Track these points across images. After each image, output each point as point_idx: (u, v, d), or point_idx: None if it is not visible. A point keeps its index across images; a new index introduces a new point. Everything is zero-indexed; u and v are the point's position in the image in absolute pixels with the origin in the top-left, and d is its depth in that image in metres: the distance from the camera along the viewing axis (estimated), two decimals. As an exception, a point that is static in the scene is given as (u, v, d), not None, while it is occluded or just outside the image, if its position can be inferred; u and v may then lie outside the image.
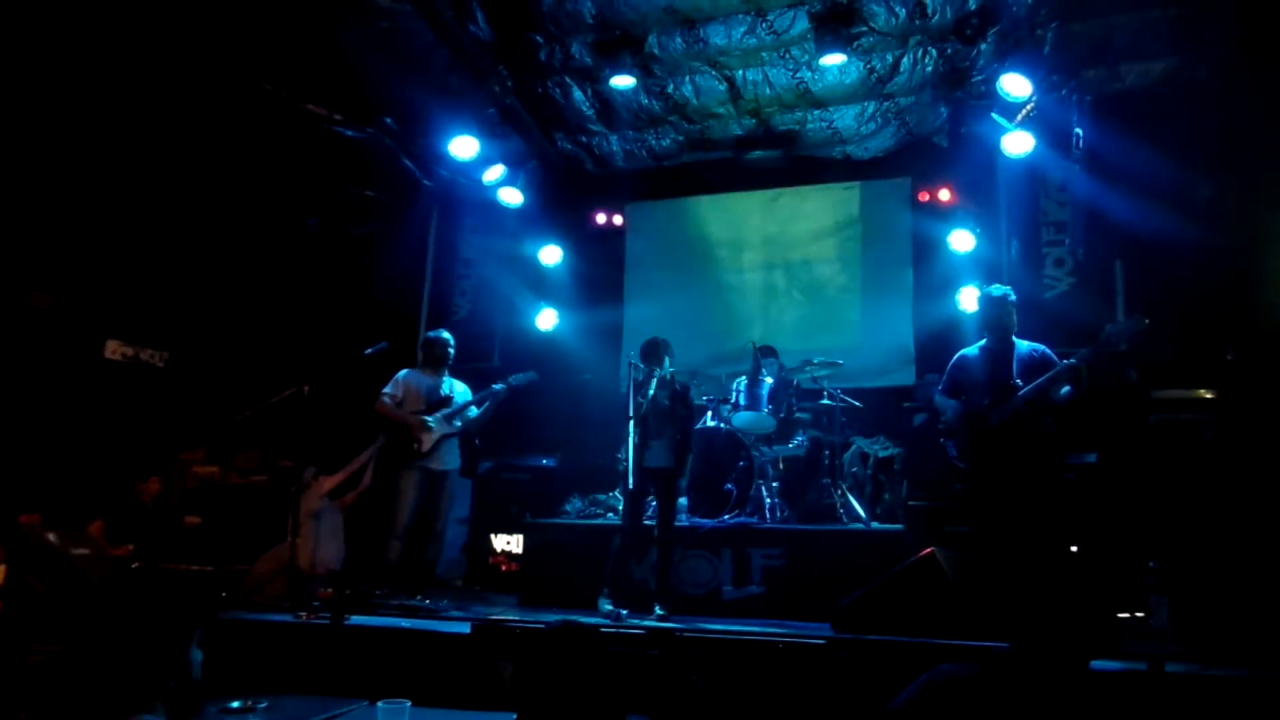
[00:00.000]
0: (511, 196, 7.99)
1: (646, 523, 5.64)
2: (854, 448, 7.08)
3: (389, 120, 7.54)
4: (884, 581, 4.60)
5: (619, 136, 8.44)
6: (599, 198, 9.14)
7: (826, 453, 6.65)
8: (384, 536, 5.88)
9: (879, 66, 7.25)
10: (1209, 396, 6.15)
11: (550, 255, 8.67)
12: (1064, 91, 6.63)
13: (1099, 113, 6.77)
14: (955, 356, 5.30)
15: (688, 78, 7.58)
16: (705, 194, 9.13)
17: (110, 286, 7.92)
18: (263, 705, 3.00)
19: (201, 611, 1.88)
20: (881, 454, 7.07)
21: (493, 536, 7.50)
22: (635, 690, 4.10)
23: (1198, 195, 6.62)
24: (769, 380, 6.55)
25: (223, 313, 8.40)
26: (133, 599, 1.79)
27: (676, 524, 5.98)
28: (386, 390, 6.01)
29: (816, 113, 7.92)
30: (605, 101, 7.95)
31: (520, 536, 7.02)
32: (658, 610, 5.21)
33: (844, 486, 6.53)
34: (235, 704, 2.96)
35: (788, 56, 7.23)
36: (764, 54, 7.22)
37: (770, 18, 6.83)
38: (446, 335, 6.25)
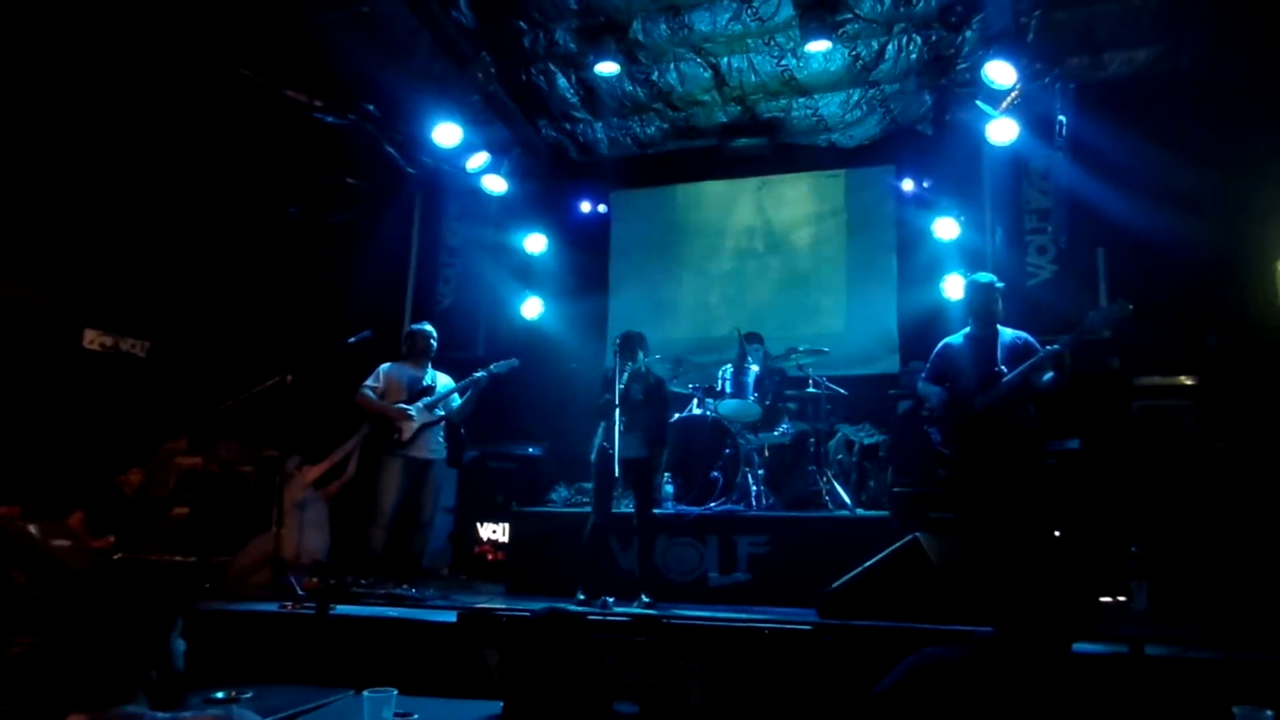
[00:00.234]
0: (495, 184, 7.94)
1: (626, 511, 5.64)
2: (839, 435, 7.11)
3: (371, 107, 7.46)
4: (869, 567, 4.63)
5: (603, 124, 8.41)
6: (584, 185, 9.11)
7: (812, 440, 6.67)
8: (367, 526, 5.86)
9: (864, 54, 7.25)
10: (1190, 383, 6.21)
11: (535, 243, 8.64)
12: (1048, 79, 6.65)
13: (1082, 101, 6.79)
14: (939, 344, 5.32)
15: (672, 65, 7.55)
16: (690, 182, 9.12)
17: (89, 275, 7.83)
18: (248, 695, 2.99)
19: (183, 602, 1.87)
20: (866, 441, 7.10)
21: (479, 525, 7.49)
22: (621, 677, 4.11)
23: (1180, 183, 6.66)
24: (754, 368, 6.56)
25: (204, 302, 8.31)
26: (113, 589, 1.77)
27: (662, 512, 6.00)
28: (368, 383, 5.99)
29: (801, 100, 7.91)
30: (589, 88, 7.91)
31: (506, 525, 7.01)
32: (643, 598, 5.22)
33: (829, 474, 6.56)
34: (220, 694, 2.95)
35: (773, 43, 7.21)
36: (749, 41, 7.20)
37: (755, 4, 6.80)
38: (429, 327, 6.22)
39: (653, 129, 8.43)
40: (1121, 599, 5.34)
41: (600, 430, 5.49)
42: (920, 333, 7.39)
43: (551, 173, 8.88)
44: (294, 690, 3.15)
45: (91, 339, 7.93)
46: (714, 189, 9.05)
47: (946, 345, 5.25)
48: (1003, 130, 6.55)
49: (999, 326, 5.10)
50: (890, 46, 7.17)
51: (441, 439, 6.12)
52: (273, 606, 4.95)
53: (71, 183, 7.24)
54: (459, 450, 7.53)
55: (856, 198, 8.60)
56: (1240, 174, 6.41)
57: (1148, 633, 4.09)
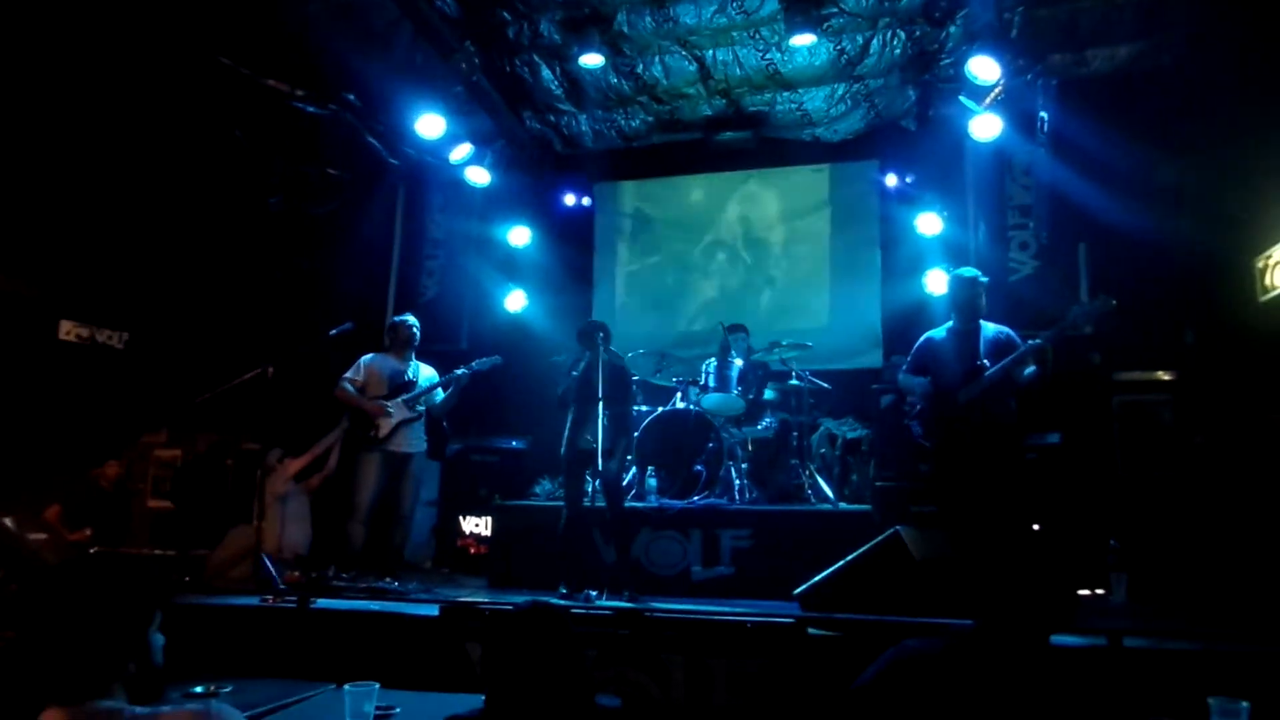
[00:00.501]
0: (479, 176, 7.90)
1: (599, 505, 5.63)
2: (822, 429, 7.13)
3: (352, 97, 7.39)
4: (851, 561, 4.64)
5: (588, 116, 8.38)
6: (568, 178, 9.09)
7: (795, 434, 6.69)
8: (346, 521, 5.83)
9: (849, 48, 7.26)
10: (1169, 378, 6.27)
11: (519, 236, 8.61)
12: (1030, 76, 6.67)
13: (1065, 97, 6.83)
14: (922, 338, 5.33)
15: (657, 57, 7.53)
16: (675, 175, 9.11)
17: (65, 265, 7.73)
18: (227, 689, 2.97)
19: (162, 596, 1.85)
20: (849, 435, 7.13)
21: (462, 519, 7.47)
22: (604, 670, 4.11)
23: (1161, 180, 6.71)
24: (738, 362, 6.57)
25: (184, 293, 8.23)
26: (92, 583, 1.75)
27: (646, 505, 6.01)
28: (347, 376, 5.93)
29: (786, 94, 7.91)
30: (574, 80, 7.88)
31: (489, 519, 7.00)
32: (625, 592, 5.22)
33: (812, 468, 6.58)
34: (199, 688, 2.92)
35: (758, 37, 7.21)
36: (734, 34, 7.20)
37: (740, -3, 6.80)
38: (412, 319, 6.17)
39: (637, 122, 8.41)
40: (1100, 592, 5.39)
41: (568, 423, 5.48)
42: (903, 327, 7.42)
43: (535, 165, 8.85)
44: (275, 684, 3.13)
45: (68, 330, 7.85)
46: (699, 183, 9.05)
47: (929, 339, 5.27)
48: (986, 126, 6.57)
49: (981, 321, 5.12)
50: (875, 41, 7.19)
51: (422, 432, 6.09)
52: (253, 600, 4.92)
53: (48, 172, 7.15)
54: (441, 443, 7.52)
55: (840, 192, 8.63)
56: (1220, 171, 6.46)
57: (1126, 625, 4.14)
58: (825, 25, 6.89)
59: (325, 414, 6.63)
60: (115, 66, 6.74)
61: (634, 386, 6.20)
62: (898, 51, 7.25)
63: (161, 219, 7.89)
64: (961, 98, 6.59)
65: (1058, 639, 2.21)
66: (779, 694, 3.92)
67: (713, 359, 6.62)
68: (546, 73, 7.78)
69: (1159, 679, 3.60)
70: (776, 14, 6.84)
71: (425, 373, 6.13)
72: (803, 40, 6.94)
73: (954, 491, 5.07)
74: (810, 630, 4.08)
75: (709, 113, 8.27)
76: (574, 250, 9.12)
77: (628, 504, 6.06)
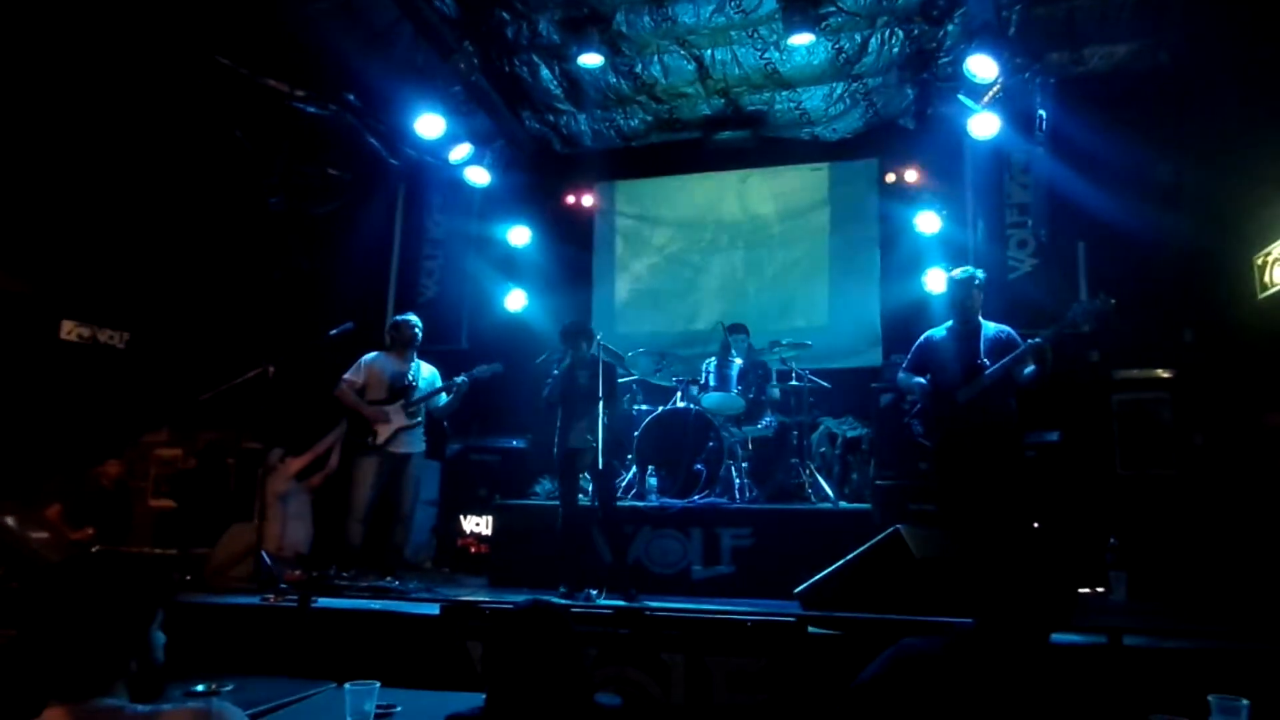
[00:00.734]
0: (479, 176, 7.91)
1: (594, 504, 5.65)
2: (822, 428, 7.14)
3: (352, 97, 7.40)
4: (851, 560, 4.65)
5: (587, 116, 8.39)
6: (567, 178, 9.09)
7: (795, 433, 6.70)
8: (344, 520, 5.83)
9: (847, 47, 7.26)
10: (1168, 377, 6.27)
11: (519, 236, 8.61)
12: (1029, 74, 6.68)
13: (1063, 95, 6.83)
14: (921, 337, 5.34)
15: (656, 57, 7.53)
16: (674, 174, 9.11)
17: (67, 265, 7.74)
18: (228, 687, 2.97)
19: (163, 594, 1.86)
20: (849, 434, 7.14)
21: (462, 518, 7.47)
22: (604, 669, 4.12)
23: (1159, 178, 6.72)
24: (738, 361, 6.58)
25: (185, 293, 8.24)
26: (93, 581, 1.76)
27: (646, 505, 6.01)
28: (347, 375, 5.93)
29: (785, 93, 7.92)
30: (573, 80, 7.88)
31: (490, 518, 7.01)
32: (628, 591, 5.23)
33: (812, 466, 6.59)
34: (200, 687, 2.93)
35: (756, 36, 7.21)
36: (732, 33, 7.20)
37: (739, -4, 6.80)
38: (415, 319, 6.15)
39: (636, 121, 8.42)
40: (1100, 590, 5.40)
41: (558, 424, 5.53)
42: (902, 326, 7.42)
43: (535, 165, 8.86)
44: (276, 683, 3.13)
45: (69, 330, 7.85)
46: (698, 182, 9.05)
47: (928, 338, 5.28)
48: (984, 124, 6.58)
49: (981, 320, 5.12)
50: (873, 40, 7.19)
51: (421, 432, 6.09)
52: (255, 599, 4.93)
53: (50, 172, 7.15)
54: (441, 443, 7.52)
55: (839, 191, 8.63)
56: (1219, 169, 6.46)
57: (1126, 623, 4.15)
58: (823, 24, 6.89)
59: (326, 413, 6.64)
60: (115, 66, 6.74)
61: (620, 384, 6.20)
62: (896, 50, 7.25)
63: (162, 219, 7.89)
64: (960, 96, 6.59)
65: (1058, 637, 2.21)
66: (779, 693, 3.93)
67: (713, 358, 6.63)
68: (545, 72, 7.79)
69: (1159, 677, 3.61)
70: (775, 13, 6.85)
71: (426, 372, 6.13)
72: (801, 39, 6.94)
73: (954, 490, 5.08)
74: (810, 629, 4.09)
75: (708, 112, 8.28)
76: (573, 250, 9.12)
77: (628, 503, 6.08)
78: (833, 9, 6.81)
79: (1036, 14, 6.62)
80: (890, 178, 8.06)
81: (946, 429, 5.04)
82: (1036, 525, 5.59)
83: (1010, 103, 6.53)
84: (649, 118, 8.36)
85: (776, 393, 6.86)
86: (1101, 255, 7.04)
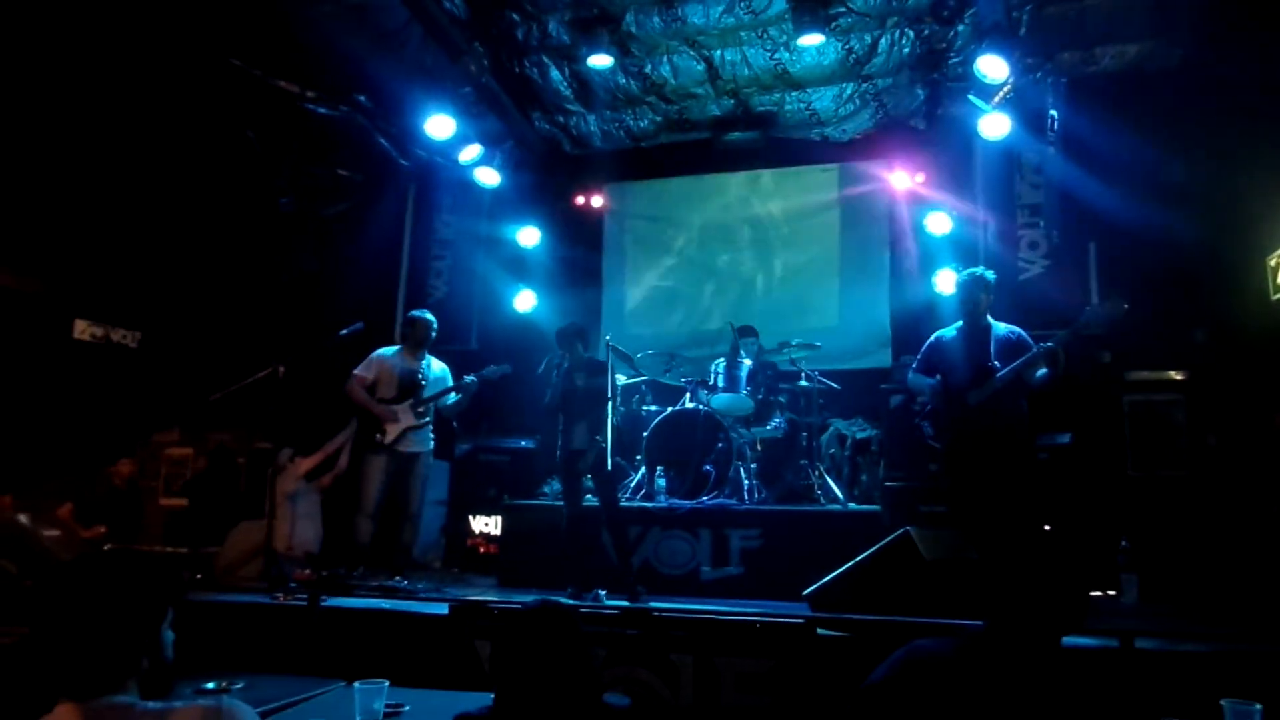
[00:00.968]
0: (488, 177, 7.92)
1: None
2: (831, 429, 7.12)
3: (363, 98, 7.43)
4: (861, 561, 4.63)
5: (597, 117, 8.39)
6: (577, 179, 9.10)
7: (804, 434, 6.68)
8: (353, 516, 5.85)
9: (857, 47, 7.24)
10: (1180, 378, 6.24)
11: (528, 236, 8.62)
12: (1039, 74, 6.66)
13: (1074, 95, 6.80)
14: (932, 337, 5.32)
15: (666, 57, 7.53)
16: (684, 175, 9.10)
17: (80, 265, 7.79)
18: (239, 685, 2.99)
19: (176, 592, 1.86)
20: (859, 435, 7.11)
21: (471, 518, 7.49)
22: (613, 670, 4.12)
23: (1171, 178, 6.67)
24: (747, 362, 6.56)
25: (196, 293, 8.29)
26: (105, 580, 1.77)
27: (655, 505, 6.01)
28: (357, 371, 5.96)
29: (795, 94, 7.90)
30: (583, 81, 7.89)
31: (499, 518, 7.02)
32: (635, 590, 5.23)
33: (821, 468, 6.57)
34: (211, 685, 2.94)
35: (766, 37, 7.20)
36: (742, 34, 7.19)
37: (749, -4, 6.79)
38: (430, 316, 6.17)
39: (646, 122, 8.42)
40: (1112, 593, 5.37)
41: (560, 427, 5.55)
42: (912, 327, 7.41)
43: (545, 165, 8.87)
44: (285, 681, 3.14)
45: (82, 329, 7.91)
46: (707, 183, 9.04)
47: (939, 338, 5.26)
48: (995, 125, 6.55)
49: (992, 321, 5.10)
50: (883, 40, 7.17)
51: (430, 431, 6.10)
52: (265, 598, 4.95)
53: (63, 173, 7.20)
54: (450, 442, 7.54)
55: (849, 192, 8.60)
56: (1231, 168, 6.43)
57: (1138, 626, 4.12)
58: (833, 25, 6.88)
59: (336, 413, 6.66)
60: (128, 68, 6.78)
61: (622, 384, 6.21)
62: (906, 50, 7.23)
63: (174, 220, 7.94)
64: (970, 96, 6.57)
65: (1069, 640, 2.20)
66: (788, 694, 3.92)
67: (722, 359, 6.61)
68: (555, 73, 7.80)
69: (1171, 681, 3.58)
70: (784, 14, 6.84)
71: (437, 367, 6.15)
72: (811, 40, 6.93)
73: (964, 492, 5.05)
74: (820, 631, 4.08)
75: (717, 113, 8.27)
76: (583, 250, 9.13)
77: (637, 504, 6.08)
78: (843, 9, 6.79)
79: (1047, 13, 6.59)
80: (900, 178, 8.03)
81: (957, 431, 5.02)
82: (1048, 527, 5.56)
83: (1021, 103, 6.51)
84: (658, 118, 8.37)
85: (785, 394, 6.85)
86: (1113, 256, 7.00)
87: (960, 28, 6.89)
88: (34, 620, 1.75)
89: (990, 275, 5.18)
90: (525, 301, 8.58)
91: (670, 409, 6.60)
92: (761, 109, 8.15)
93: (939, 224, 7.59)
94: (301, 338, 6.81)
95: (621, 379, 6.72)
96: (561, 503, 5.68)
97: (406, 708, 2.66)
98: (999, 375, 4.84)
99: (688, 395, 6.78)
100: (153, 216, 7.84)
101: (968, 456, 4.99)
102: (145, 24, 6.50)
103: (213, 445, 7.89)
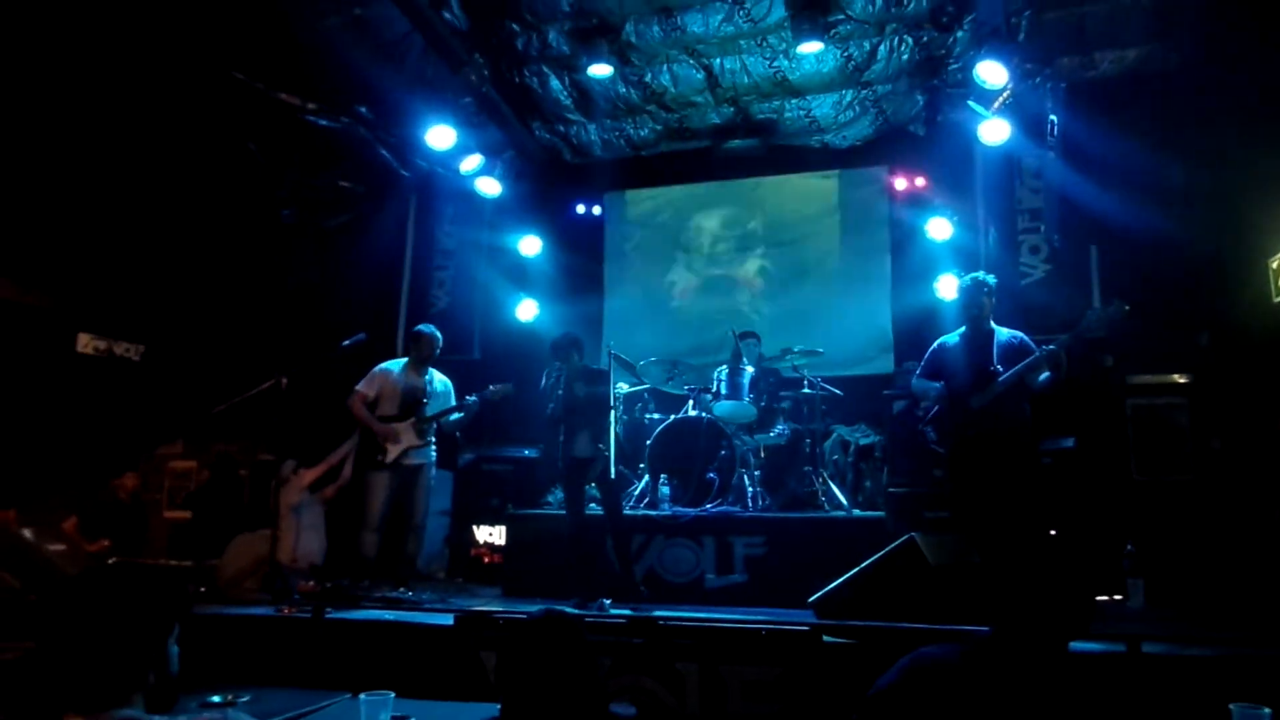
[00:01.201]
0: (489, 187, 7.94)
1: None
2: (834, 436, 7.11)
3: (364, 109, 7.46)
4: (865, 568, 4.62)
5: (597, 126, 8.41)
6: (578, 188, 9.12)
7: (807, 441, 6.67)
8: (358, 530, 5.84)
9: (856, 54, 7.26)
10: (1183, 381, 6.22)
11: (530, 246, 8.64)
12: (1039, 79, 6.66)
13: (1074, 100, 6.80)
14: (935, 343, 5.31)
15: (665, 66, 7.55)
16: (684, 183, 9.11)
17: (83, 279, 7.81)
18: (244, 698, 2.99)
19: (182, 606, 1.86)
20: (862, 442, 7.10)
21: (475, 528, 7.48)
22: (619, 679, 4.11)
23: (1171, 182, 6.68)
24: (749, 369, 6.56)
25: (199, 305, 8.30)
26: (110, 593, 1.76)
27: (659, 514, 6.00)
28: (359, 387, 5.94)
29: (794, 101, 7.92)
30: (583, 90, 7.91)
31: (503, 528, 6.99)
32: (640, 596, 5.22)
33: (825, 474, 6.55)
34: (216, 698, 2.94)
35: (765, 45, 7.22)
36: (741, 42, 7.21)
37: (747, 5, 6.82)
38: (436, 333, 6.14)
39: (646, 131, 8.44)
40: (1118, 597, 5.35)
41: (561, 437, 5.56)
42: (914, 333, 7.41)
43: (545, 175, 8.89)
44: (291, 694, 3.14)
45: (85, 343, 7.92)
46: (708, 191, 9.06)
47: (942, 344, 5.25)
48: (994, 130, 6.56)
49: (994, 326, 5.10)
50: (882, 47, 7.19)
51: (433, 441, 6.10)
52: (269, 610, 4.94)
53: (66, 186, 7.23)
54: (453, 453, 7.53)
55: (850, 198, 8.62)
56: (1231, 171, 6.43)
57: (1144, 631, 4.10)
58: (832, 32, 6.90)
59: (339, 425, 6.66)
60: (131, 81, 6.81)
61: (619, 392, 6.22)
62: (905, 57, 7.25)
63: (177, 232, 7.96)
64: (970, 102, 6.58)
65: (1076, 645, 2.19)
66: (794, 702, 3.91)
67: (724, 366, 6.60)
68: (555, 83, 7.82)
69: (1179, 686, 3.57)
70: (783, 21, 6.86)
71: (440, 381, 6.14)
72: (810, 47, 6.94)
73: (968, 497, 5.04)
74: (825, 638, 4.07)
75: (717, 121, 8.29)
76: (584, 259, 9.14)
77: (641, 512, 6.07)
78: (842, 17, 6.81)
79: (1046, 19, 6.61)
80: (901, 184, 8.04)
81: (960, 435, 5.02)
82: (1053, 532, 5.55)
83: (1020, 108, 6.51)
84: (659, 127, 8.38)
85: (788, 401, 6.85)
86: (1114, 260, 7.00)
87: (959, 34, 6.90)
88: (39, 635, 1.75)
89: (992, 280, 5.18)
90: (527, 311, 8.59)
91: (673, 417, 6.60)
92: (761, 117, 8.16)
93: (940, 229, 7.59)
94: (304, 349, 6.82)
95: (624, 387, 6.72)
96: (565, 512, 5.68)
97: (412, 719, 2.65)
98: (1001, 379, 4.84)
99: (690, 403, 6.77)
100: (156, 229, 7.87)
101: (971, 461, 4.98)
102: (148, 38, 6.54)
103: (216, 457, 7.89)
